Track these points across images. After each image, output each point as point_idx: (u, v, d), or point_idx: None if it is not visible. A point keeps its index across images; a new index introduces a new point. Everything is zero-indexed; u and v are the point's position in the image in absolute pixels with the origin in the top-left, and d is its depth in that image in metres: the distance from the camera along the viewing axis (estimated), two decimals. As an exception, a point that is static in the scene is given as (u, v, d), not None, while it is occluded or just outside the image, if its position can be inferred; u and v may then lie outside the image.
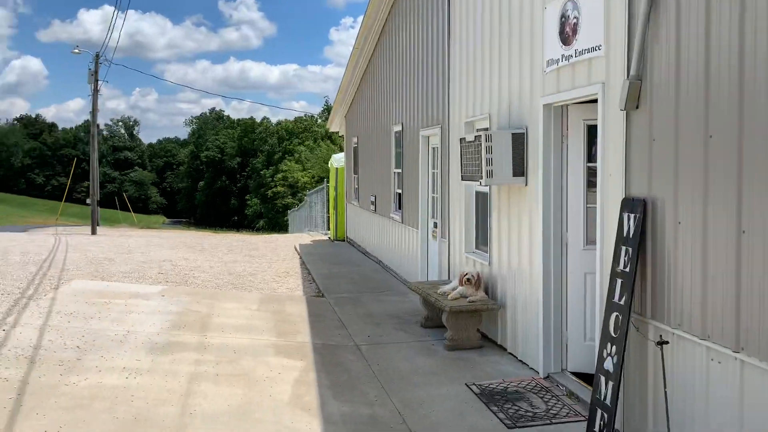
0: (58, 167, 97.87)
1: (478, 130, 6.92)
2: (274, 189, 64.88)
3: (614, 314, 4.56)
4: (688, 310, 4.03)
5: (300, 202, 38.29)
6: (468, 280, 7.18)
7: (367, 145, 14.55)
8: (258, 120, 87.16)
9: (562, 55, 5.56)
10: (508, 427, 5.02)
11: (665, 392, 4.13)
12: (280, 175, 65.02)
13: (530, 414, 5.26)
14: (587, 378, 5.85)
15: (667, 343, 4.15)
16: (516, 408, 5.39)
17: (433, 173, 9.70)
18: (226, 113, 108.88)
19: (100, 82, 27.90)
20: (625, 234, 4.57)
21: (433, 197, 9.78)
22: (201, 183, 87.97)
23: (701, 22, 3.91)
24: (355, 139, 16.00)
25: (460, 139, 7.09)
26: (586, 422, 4.99)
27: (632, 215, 4.50)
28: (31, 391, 5.13)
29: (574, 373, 6.00)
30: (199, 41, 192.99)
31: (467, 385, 5.94)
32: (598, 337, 5.04)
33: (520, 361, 6.63)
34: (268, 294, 10.02)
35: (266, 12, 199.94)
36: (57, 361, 5.93)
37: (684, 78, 4.05)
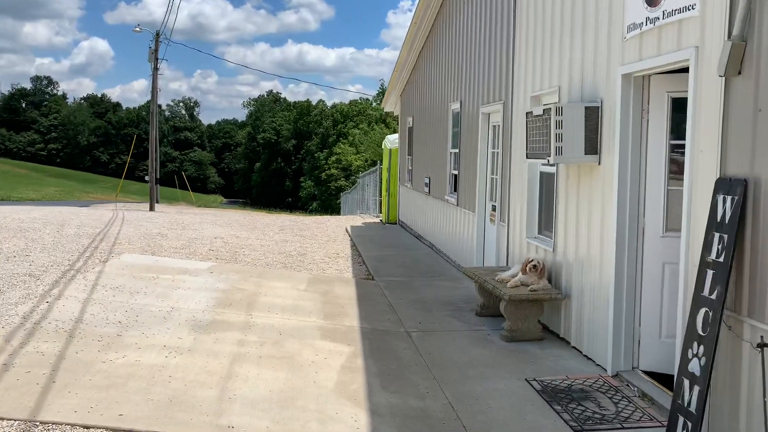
0: (122, 146, 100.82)
1: (545, 105, 6.36)
2: (327, 172, 65.00)
3: (703, 310, 3.99)
4: (798, 309, 3.44)
5: (353, 185, 38.12)
6: (534, 266, 6.64)
7: (422, 125, 14.06)
8: (314, 103, 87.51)
9: (647, 18, 4.94)
10: (574, 430, 4.52)
11: (765, 401, 3.56)
12: (333, 158, 65.06)
13: (598, 416, 4.75)
14: (662, 378, 5.28)
15: (769, 345, 3.57)
16: (582, 408, 4.89)
17: (493, 153, 9.16)
18: (282, 96, 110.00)
19: (159, 60, 28.22)
20: (719, 219, 3.98)
21: (492, 179, 9.25)
22: (257, 164, 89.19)
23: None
24: (410, 119, 15.52)
25: (527, 113, 6.54)
26: (663, 428, 4.44)
27: (729, 197, 3.91)
28: (66, 367, 4.93)
29: (647, 373, 5.44)
30: (258, 24, 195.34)
31: (527, 381, 5.46)
32: (679, 334, 4.48)
33: (585, 356, 6.09)
34: (317, 274, 9.72)
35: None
36: (96, 336, 5.74)
37: (803, 35, 3.43)
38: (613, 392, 5.21)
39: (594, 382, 5.43)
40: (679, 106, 5.18)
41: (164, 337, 5.87)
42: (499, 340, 6.56)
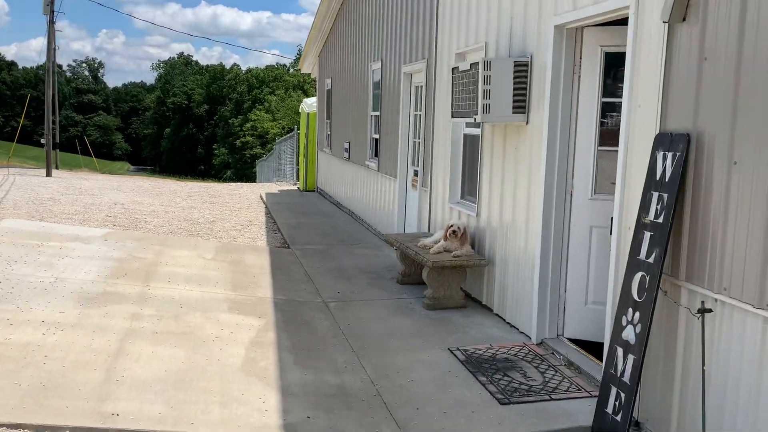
0: (18, 108, 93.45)
1: (473, 61, 5.97)
2: (242, 139, 63.08)
3: (639, 274, 3.75)
4: (740, 272, 3.22)
5: (269, 152, 36.96)
6: (453, 232, 6.33)
7: (341, 87, 13.46)
8: (227, 67, 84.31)
9: (583, -36, 4.61)
10: (501, 403, 4.24)
11: (703, 371, 3.36)
12: (249, 125, 63.16)
13: (525, 387, 4.49)
14: (588, 346, 5.10)
15: (709, 311, 3.35)
16: (508, 379, 4.61)
17: (416, 116, 8.75)
18: (194, 59, 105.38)
19: (56, 13, 25.92)
20: (658, 177, 3.73)
21: (414, 142, 8.85)
22: (167, 130, 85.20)
23: None
24: (328, 81, 14.86)
25: (453, 68, 6.13)
26: (593, 399, 4.23)
27: (670, 154, 3.65)
28: None
29: (573, 341, 5.25)
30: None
31: (450, 351, 5.15)
32: (610, 300, 4.26)
33: (509, 324, 5.85)
34: (227, 243, 9.07)
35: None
36: (-40, 311, 4.94)
37: (756, -24, 3.16)
38: (538, 361, 4.98)
39: (519, 351, 5.19)
40: (613, 62, 4.92)
41: (43, 311, 5.13)
42: (422, 309, 6.22)
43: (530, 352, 5.16)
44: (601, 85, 5.00)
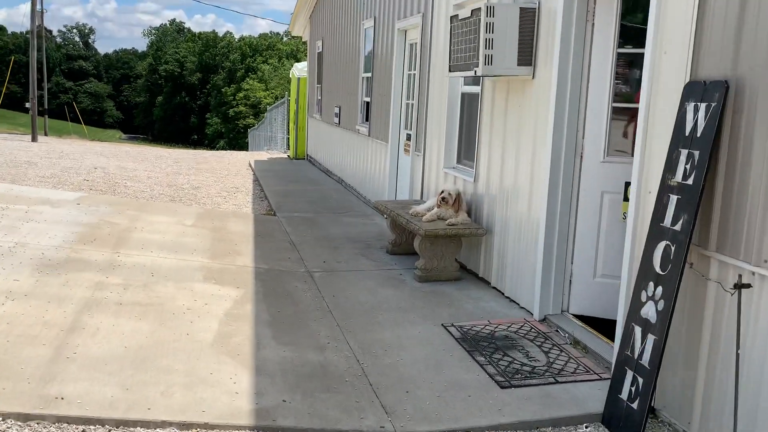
0: (6, 73, 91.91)
1: (474, 6, 5.42)
2: (235, 108, 62.16)
3: (662, 244, 3.29)
4: (785, 241, 2.76)
5: (261, 121, 36.19)
6: (443, 199, 5.85)
7: (333, 49, 12.83)
8: (220, 35, 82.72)
9: None
10: (501, 386, 3.80)
11: (737, 354, 2.91)
12: (241, 94, 62.20)
13: (528, 368, 4.05)
14: (594, 323, 4.66)
15: (748, 286, 2.89)
16: (509, 359, 4.17)
17: (410, 75, 8.20)
18: (187, 26, 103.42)
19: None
20: (687, 132, 3.24)
21: (407, 104, 8.31)
22: (159, 98, 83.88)
23: None
24: (319, 44, 14.21)
25: (451, 17, 5.58)
26: (603, 383, 3.80)
27: (703, 105, 3.15)
28: None
29: (578, 317, 4.81)
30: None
31: (444, 327, 4.70)
32: (625, 273, 3.80)
33: (508, 298, 5.41)
34: (210, 209, 8.56)
35: None
36: None
37: None
38: (542, 339, 4.54)
39: (520, 328, 4.75)
40: (631, 5, 4.39)
41: (-4, 279, 4.64)
42: (413, 281, 5.77)
43: (532, 330, 4.72)
44: (617, 34, 4.47)
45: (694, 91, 3.23)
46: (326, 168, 13.16)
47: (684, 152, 3.23)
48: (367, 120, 10.12)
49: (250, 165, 14.69)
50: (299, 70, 16.66)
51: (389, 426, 3.28)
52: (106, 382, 3.33)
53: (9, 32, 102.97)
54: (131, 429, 3.02)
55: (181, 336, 4.06)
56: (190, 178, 11.54)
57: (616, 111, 4.57)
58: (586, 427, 3.47)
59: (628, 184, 4.53)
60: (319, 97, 14.13)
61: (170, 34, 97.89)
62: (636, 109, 4.47)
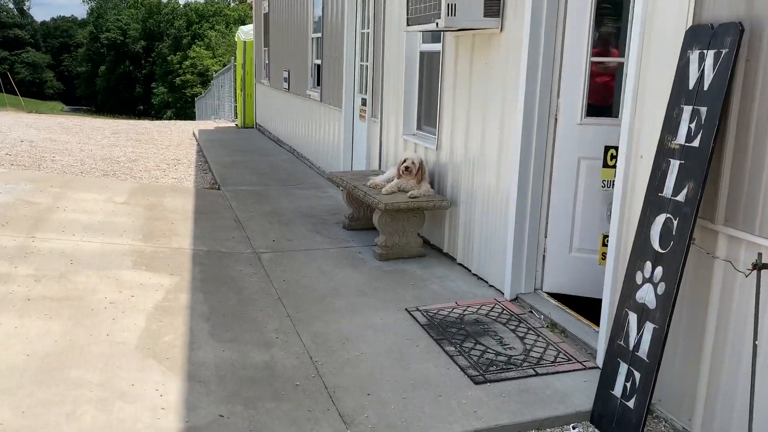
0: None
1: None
2: (182, 77, 59.93)
3: (661, 217, 2.82)
4: (814, 213, 2.32)
5: (207, 89, 34.76)
6: (407, 168, 5.31)
7: (279, 8, 11.99)
8: (164, 1, 79.24)
9: None
10: (474, 381, 3.33)
11: (755, 346, 2.48)
12: (188, 62, 59.96)
13: (503, 358, 3.59)
14: (571, 301, 4.24)
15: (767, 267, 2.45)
16: (481, 348, 3.70)
17: (363, 34, 7.55)
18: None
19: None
20: (691, 85, 2.75)
21: (361, 66, 7.68)
22: (102, 68, 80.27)
23: None
24: (265, 4, 13.31)
25: (408, -38, 4.96)
26: (588, 373, 3.37)
27: (711, 52, 2.66)
28: None
29: (553, 295, 4.37)
30: None
31: (408, 312, 4.20)
32: (613, 250, 3.34)
33: (476, 275, 4.94)
34: (146, 184, 7.82)
35: None
36: None
37: None
38: (515, 323, 4.08)
39: (490, 310, 4.28)
40: (614, -55, 3.87)
41: None
42: (373, 259, 5.24)
43: (504, 311, 4.26)
44: (597, -22, 3.95)
45: (699, 36, 2.74)
46: (276, 137, 12.43)
47: (687, 109, 2.75)
48: (318, 84, 9.44)
49: (194, 135, 13.83)
50: (245, 33, 15.70)
51: (348, 440, 2.78)
52: (-4, 405, 2.71)
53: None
54: (27, 464, 2.43)
55: (99, 338, 3.44)
56: (127, 151, 10.68)
57: (595, 66, 4.07)
58: (574, 428, 3.04)
59: (608, 149, 4.09)
60: (267, 62, 13.30)
61: (111, 1, 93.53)
62: (619, 64, 4.00)
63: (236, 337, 3.67)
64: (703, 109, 2.67)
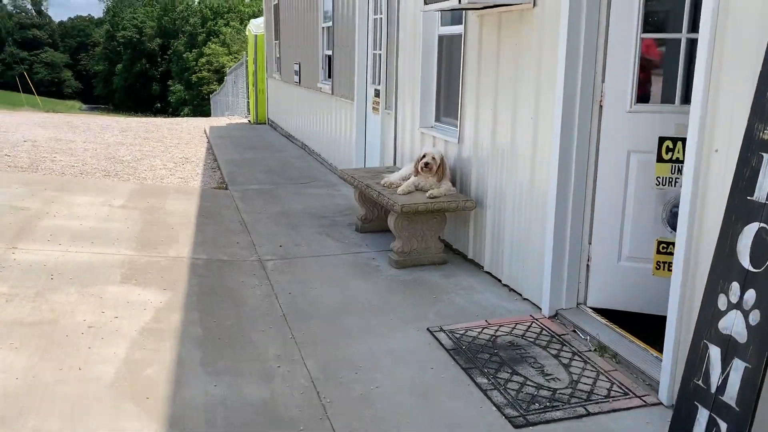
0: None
1: None
2: (198, 74, 59.80)
3: (753, 226, 2.23)
4: None
5: (222, 86, 34.38)
6: (427, 165, 4.75)
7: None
8: (179, -2, 79.17)
9: None
10: (515, 425, 2.77)
11: None
12: (204, 59, 59.78)
13: (546, 393, 3.02)
14: (620, 318, 3.65)
15: None
16: (520, 380, 3.14)
17: (376, 20, 6.98)
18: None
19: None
20: (793, 59, 2.15)
21: (374, 55, 7.12)
22: (119, 66, 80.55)
23: None
24: (276, -6, 12.79)
25: (426, -68, 4.38)
26: (650, 410, 2.79)
27: (821, 15, 2.06)
28: None
29: (598, 311, 3.79)
30: None
31: (431, 332, 3.65)
32: (680, 263, 2.75)
33: (507, 286, 4.37)
34: (149, 185, 7.34)
35: None
36: None
37: None
38: (557, 345, 3.51)
39: (527, 330, 3.71)
40: None
41: None
42: (388, 267, 4.70)
43: (543, 332, 3.69)
44: (651, -61, 3.35)
45: (802, -5, 2.14)
46: (288, 132, 11.92)
47: (787, 89, 2.16)
48: (329, 76, 8.89)
49: (205, 132, 13.37)
50: (256, 26, 15.21)
51: None
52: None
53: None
54: None
55: (69, 373, 2.93)
56: (134, 150, 10.23)
57: (649, 44, 3.47)
58: (639, 486, 2.47)
59: (662, 140, 3.49)
60: (278, 55, 12.78)
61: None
62: (675, 41, 3.40)
63: (231, 367, 3.14)
64: (812, 89, 2.07)
